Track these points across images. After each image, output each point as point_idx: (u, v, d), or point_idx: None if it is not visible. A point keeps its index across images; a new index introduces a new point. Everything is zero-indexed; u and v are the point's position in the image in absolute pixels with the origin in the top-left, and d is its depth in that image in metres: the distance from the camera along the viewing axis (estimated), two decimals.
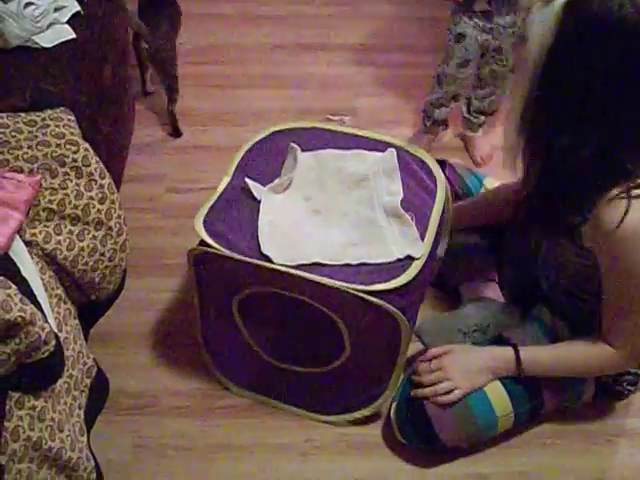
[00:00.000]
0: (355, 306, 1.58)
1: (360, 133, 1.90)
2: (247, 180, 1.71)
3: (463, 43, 2.32)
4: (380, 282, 1.58)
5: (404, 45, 3.07)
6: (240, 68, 2.95)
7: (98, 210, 1.56)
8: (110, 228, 1.58)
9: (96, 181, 1.57)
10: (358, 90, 2.87)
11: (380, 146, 1.85)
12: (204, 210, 1.67)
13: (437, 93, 2.47)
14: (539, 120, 1.46)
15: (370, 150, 1.83)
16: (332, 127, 1.93)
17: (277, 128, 1.90)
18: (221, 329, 1.82)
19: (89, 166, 1.57)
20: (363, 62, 3.00)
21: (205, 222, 1.65)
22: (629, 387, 1.83)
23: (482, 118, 2.56)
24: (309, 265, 1.59)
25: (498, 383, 1.70)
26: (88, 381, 1.53)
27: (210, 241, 1.60)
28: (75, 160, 1.56)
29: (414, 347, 1.84)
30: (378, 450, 1.81)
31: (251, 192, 1.70)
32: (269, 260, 1.58)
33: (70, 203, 1.53)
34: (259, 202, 1.69)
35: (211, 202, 1.70)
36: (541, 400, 1.75)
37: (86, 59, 1.92)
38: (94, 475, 1.47)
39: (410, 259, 1.62)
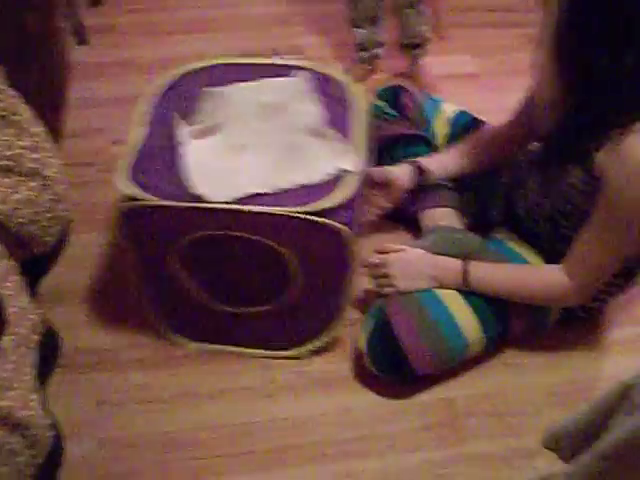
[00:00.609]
0: (301, 230, 1.56)
1: (266, 62, 1.87)
2: (175, 124, 1.65)
3: None
4: (323, 200, 1.56)
5: None
6: (178, 13, 2.89)
7: (32, 159, 1.48)
8: (46, 178, 1.51)
9: (27, 130, 1.49)
10: (303, 27, 2.80)
11: (289, 71, 1.82)
12: (124, 163, 1.60)
13: (351, 11, 2.46)
14: (574, 43, 1.44)
15: (279, 76, 1.81)
16: (236, 60, 1.89)
17: (183, 70, 1.85)
18: (163, 284, 1.76)
19: (18, 114, 1.49)
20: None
21: (128, 175, 1.58)
22: (593, 312, 1.85)
23: (406, 41, 2.50)
24: (247, 198, 1.55)
25: (467, 308, 1.70)
26: (36, 337, 1.47)
27: (138, 193, 1.54)
28: (2, 109, 1.48)
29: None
30: (346, 384, 1.79)
31: (171, 139, 1.64)
32: (204, 200, 1.54)
33: (1, 154, 1.45)
34: (181, 147, 1.63)
35: (130, 154, 1.63)
36: (508, 324, 1.74)
37: (7, 7, 1.83)
38: (51, 433, 1.42)
39: (345, 172, 1.61)
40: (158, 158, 1.63)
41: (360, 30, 2.46)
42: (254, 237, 1.58)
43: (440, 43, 2.53)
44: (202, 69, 1.85)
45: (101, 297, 1.97)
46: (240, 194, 1.56)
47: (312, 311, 1.77)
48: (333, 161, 1.63)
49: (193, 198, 1.54)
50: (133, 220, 1.60)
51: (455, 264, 1.71)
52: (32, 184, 1.48)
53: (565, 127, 1.57)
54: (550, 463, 1.58)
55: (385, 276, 1.74)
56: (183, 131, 1.64)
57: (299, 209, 1.53)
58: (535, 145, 1.89)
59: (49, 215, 1.52)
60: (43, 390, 1.48)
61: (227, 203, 1.54)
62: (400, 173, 1.93)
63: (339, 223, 1.56)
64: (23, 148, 1.47)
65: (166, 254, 1.65)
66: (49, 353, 1.54)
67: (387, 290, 1.73)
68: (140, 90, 2.25)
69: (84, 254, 2.01)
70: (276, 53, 2.67)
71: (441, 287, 1.71)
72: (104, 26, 2.79)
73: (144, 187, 1.56)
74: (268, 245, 1.60)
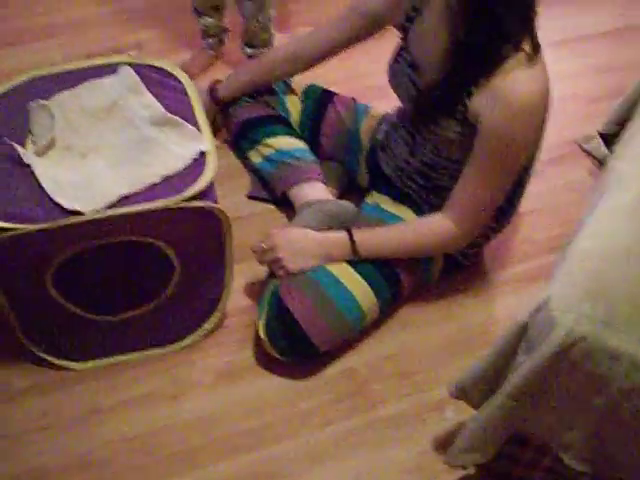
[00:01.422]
0: (175, 220, 1.56)
1: (83, 65, 1.82)
2: (16, 146, 1.58)
3: None
4: (193, 185, 1.56)
5: None
6: (8, 23, 2.73)
7: None
8: None
9: None
10: (140, 22, 2.73)
11: (111, 69, 1.79)
12: None
13: (195, 1, 2.44)
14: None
15: (102, 77, 1.77)
16: (52, 70, 1.82)
17: (2, 89, 1.76)
18: (37, 309, 1.68)
19: None
20: None
21: None
22: (473, 258, 1.92)
23: (250, 50, 2.48)
24: (118, 201, 1.52)
25: (358, 277, 1.73)
26: None
27: (3, 224, 1.46)
28: None
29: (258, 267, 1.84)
30: (250, 372, 1.78)
31: (13, 161, 1.56)
32: (78, 213, 1.49)
33: None
34: (27, 166, 1.56)
35: None
36: (399, 281, 1.78)
37: None
38: None
39: (202, 154, 1.62)
40: (6, 183, 1.55)
41: (205, 17, 2.43)
42: (132, 238, 1.56)
43: (282, 18, 2.51)
44: (21, 84, 1.77)
45: None
46: (112, 199, 1.52)
47: (197, 296, 1.76)
48: (188, 145, 1.62)
49: (66, 215, 1.49)
50: (2, 252, 1.52)
51: (340, 237, 1.74)
52: None
53: (440, 80, 1.60)
54: (459, 412, 1.64)
55: (275, 260, 1.74)
56: (25, 152, 1.58)
57: (177, 198, 1.53)
58: (393, 108, 1.94)
59: None
60: None
61: (102, 211, 1.50)
62: None
63: (213, 203, 1.58)
64: None
65: (38, 278, 1.59)
66: None
67: (280, 273, 1.74)
68: None
69: None
70: (118, 52, 2.60)
71: (331, 262, 1.73)
72: None
73: (6, 216, 1.48)
74: (146, 243, 1.58)
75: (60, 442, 1.67)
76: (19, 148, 1.58)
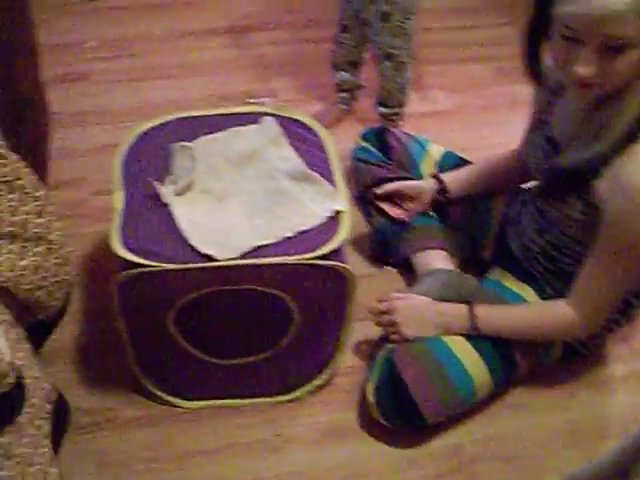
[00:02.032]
0: (304, 276, 1.57)
1: (229, 111, 1.88)
2: (156, 185, 1.64)
3: (341, 6, 2.38)
4: (325, 244, 1.58)
5: (319, 19, 3.01)
6: (151, 59, 2.86)
7: (36, 225, 1.46)
8: (51, 242, 1.48)
9: (31, 194, 1.47)
10: (276, 70, 2.81)
11: (252, 118, 1.83)
12: (115, 231, 1.57)
13: (334, 54, 2.49)
14: None
15: (245, 125, 1.81)
16: (198, 113, 1.88)
17: (142, 129, 1.84)
18: (157, 348, 1.72)
19: (20, 179, 1.47)
20: (280, 40, 2.95)
21: (124, 242, 1.55)
22: (593, 348, 1.87)
23: (383, 109, 2.49)
24: (252, 251, 1.55)
25: (474, 352, 1.70)
26: (49, 407, 1.44)
27: (140, 260, 1.51)
28: (5, 174, 1.45)
29: (372, 327, 1.83)
30: (353, 435, 1.77)
31: (153, 199, 1.63)
32: (211, 259, 1.53)
33: (5, 221, 1.42)
34: (165, 206, 1.62)
35: (117, 221, 1.60)
36: (514, 362, 1.75)
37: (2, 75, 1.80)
38: None
39: (337, 213, 1.64)
40: (145, 221, 1.61)
41: (341, 72, 2.48)
42: (258, 288, 1.58)
43: (417, 79, 2.54)
44: (166, 124, 1.85)
45: (91, 356, 1.91)
46: (246, 248, 1.55)
47: (311, 352, 1.77)
48: (324, 203, 1.64)
49: (200, 259, 1.53)
50: (132, 288, 1.56)
51: (461, 310, 1.72)
52: (37, 249, 1.46)
53: (578, 160, 1.56)
54: None
55: (392, 323, 1.74)
56: (165, 191, 1.63)
57: (307, 256, 1.55)
58: (527, 183, 1.93)
59: (55, 280, 1.50)
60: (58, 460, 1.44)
61: (236, 259, 1.53)
62: (427, 187, 2.00)
63: (342, 263, 1.59)
64: (27, 213, 1.45)
65: (162, 316, 1.62)
66: (60, 420, 1.50)
67: (394, 337, 1.74)
68: (116, 139, 2.25)
69: (74, 311, 1.95)
70: (251, 97, 2.67)
71: (448, 334, 1.72)
72: (76, 75, 2.75)
73: (143, 252, 1.53)
74: (270, 294, 1.60)
75: (160, 476, 1.69)
76: (159, 186, 1.63)
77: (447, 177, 2.01)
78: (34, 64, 1.96)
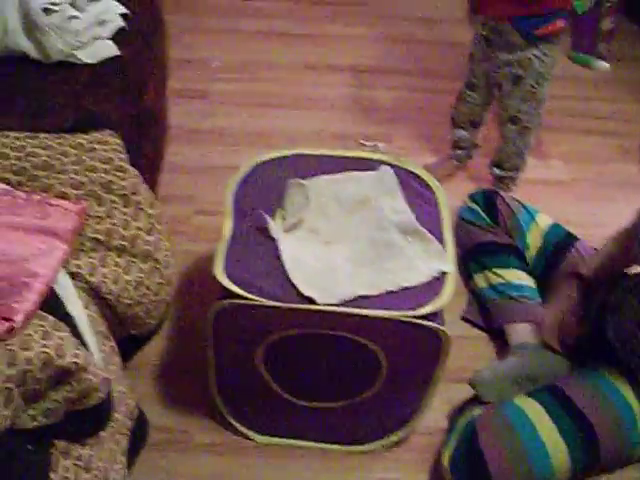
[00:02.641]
0: (400, 332, 1.55)
1: (347, 154, 1.87)
2: (267, 219, 1.64)
3: (471, 64, 2.33)
4: (427, 304, 1.54)
5: (440, 71, 3.00)
6: (271, 87, 2.89)
7: (146, 242, 1.48)
8: (157, 261, 1.50)
9: (144, 211, 1.49)
10: (391, 116, 2.80)
11: (370, 165, 1.81)
12: (220, 259, 1.57)
13: (455, 110, 2.46)
14: None
15: (361, 170, 1.79)
16: (316, 152, 1.87)
17: (260, 160, 1.84)
18: (240, 379, 1.72)
19: (137, 194, 1.49)
20: (399, 86, 2.94)
21: (227, 270, 1.55)
22: None
23: (497, 171, 2.44)
24: (353, 300, 1.53)
25: (559, 437, 1.63)
26: (130, 423, 1.44)
27: (241, 291, 1.51)
28: (123, 187, 1.48)
29: (466, 389, 1.80)
30: None
31: (261, 231, 1.63)
32: (312, 302, 1.51)
33: (117, 233, 1.45)
34: (271, 240, 1.61)
35: (223, 249, 1.60)
36: (598, 457, 1.67)
37: (130, 77, 1.84)
38: None
39: (443, 274, 1.60)
40: (250, 252, 1.61)
41: (460, 130, 2.45)
42: (352, 336, 1.56)
43: (536, 147, 2.49)
44: (283, 158, 1.85)
45: (173, 375, 1.91)
46: (348, 296, 1.54)
47: (392, 408, 1.74)
48: (431, 262, 1.62)
49: (299, 299, 1.52)
50: (226, 317, 1.56)
51: None
52: (143, 266, 1.48)
53: None
54: None
55: None
56: (274, 226, 1.63)
57: (409, 313, 1.52)
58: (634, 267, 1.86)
59: (155, 298, 1.51)
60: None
61: (336, 305, 1.52)
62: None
63: (439, 325, 1.56)
64: (139, 229, 1.47)
65: (252, 349, 1.62)
66: (138, 438, 1.50)
67: None
68: (227, 161, 2.27)
69: (167, 327, 1.96)
70: (364, 139, 2.67)
71: None
72: (198, 92, 2.81)
73: (244, 283, 1.53)
74: (362, 343, 1.57)
75: None
76: (270, 221, 1.63)
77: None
78: (163, 80, 2.01)
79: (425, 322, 1.53)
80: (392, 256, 1.62)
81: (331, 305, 1.51)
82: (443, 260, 1.63)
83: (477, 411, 1.74)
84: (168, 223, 2.19)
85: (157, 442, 1.76)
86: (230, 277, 1.53)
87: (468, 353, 1.95)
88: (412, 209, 1.73)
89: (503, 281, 2.01)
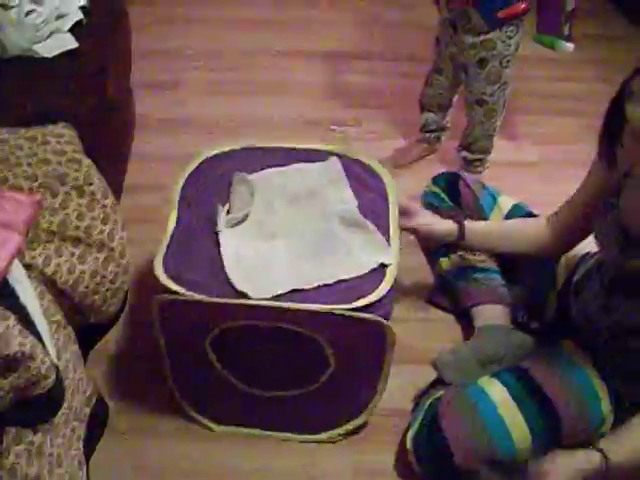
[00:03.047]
0: (339, 324, 1.54)
1: (295, 146, 1.87)
2: (219, 211, 1.65)
3: (437, 47, 2.35)
4: (362, 296, 1.54)
5: (413, 55, 3.01)
6: (243, 74, 2.91)
7: (100, 231, 1.50)
8: (112, 249, 1.52)
9: (98, 201, 1.51)
10: (363, 100, 2.82)
11: (319, 156, 1.82)
12: (160, 253, 1.58)
13: (423, 93, 2.48)
14: None
15: (310, 162, 1.80)
16: (263, 145, 1.88)
17: (209, 154, 1.85)
18: (194, 370, 1.73)
19: (91, 185, 1.52)
20: (372, 71, 2.95)
21: (165, 265, 1.55)
22: None
23: (466, 154, 2.46)
24: (287, 294, 1.54)
25: (519, 415, 1.65)
26: (88, 410, 1.47)
27: (176, 287, 1.51)
28: (77, 179, 1.50)
29: (431, 372, 1.82)
30: (390, 479, 1.75)
31: (205, 225, 1.64)
32: (245, 296, 1.52)
33: (71, 224, 1.47)
34: (215, 235, 1.62)
35: (165, 242, 1.61)
36: (559, 436, 1.69)
37: (88, 70, 1.86)
38: None
39: (383, 266, 1.60)
40: (193, 246, 1.62)
41: (428, 113, 2.47)
42: (293, 328, 1.57)
43: (500, 127, 2.51)
44: (231, 152, 1.86)
45: (138, 363, 1.94)
46: (281, 290, 1.54)
47: (345, 397, 1.75)
48: (372, 255, 1.61)
49: (234, 294, 1.53)
50: (171, 310, 1.57)
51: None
52: (98, 255, 1.50)
53: None
54: None
55: None
56: (220, 220, 1.64)
57: (342, 306, 1.52)
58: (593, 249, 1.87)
59: (112, 287, 1.53)
60: (87, 461, 1.47)
61: (270, 299, 1.52)
62: (443, 233, 1.91)
63: (380, 317, 1.55)
64: (93, 219, 1.49)
65: (198, 342, 1.63)
66: (97, 425, 1.53)
67: None
68: (199, 149, 2.28)
69: (129, 314, 1.99)
70: (335, 124, 2.69)
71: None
72: (169, 81, 2.82)
73: (181, 279, 1.53)
74: (305, 335, 1.58)
75: None
76: (221, 215, 1.64)
77: (470, 226, 1.92)
78: (125, 71, 2.02)
79: (362, 314, 1.52)
80: (333, 248, 1.62)
81: (263, 299, 1.51)
82: (385, 252, 1.62)
83: (441, 393, 1.76)
84: (137, 212, 2.27)
85: (125, 430, 1.79)
86: (167, 271, 1.53)
87: (435, 335, 1.98)
88: (360, 200, 1.72)
89: (467, 264, 2.03)
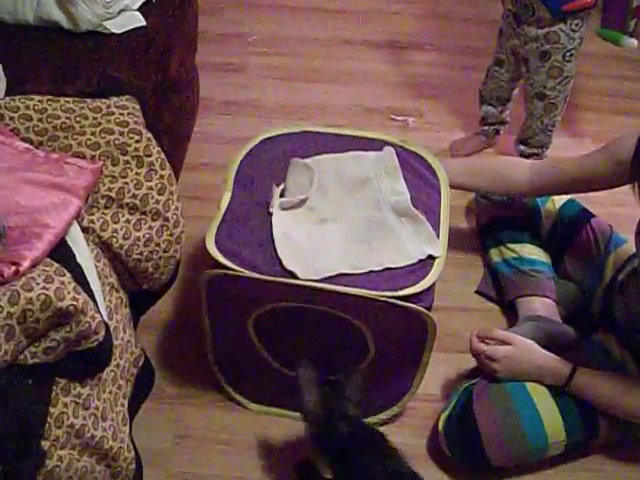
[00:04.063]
0: (383, 312, 1.57)
1: (353, 133, 1.88)
2: (275, 192, 1.68)
3: (500, 40, 2.34)
4: (408, 286, 1.56)
5: (476, 48, 3.00)
6: (307, 61, 2.94)
7: (156, 201, 1.56)
8: (167, 219, 1.58)
9: (156, 171, 1.57)
10: (424, 91, 2.83)
11: (376, 145, 1.83)
12: (213, 229, 1.62)
13: (483, 86, 2.48)
14: None
15: (366, 150, 1.81)
16: (323, 130, 1.90)
17: (266, 135, 1.87)
18: (234, 347, 1.77)
19: (150, 156, 1.57)
20: (433, 63, 2.96)
21: (217, 241, 1.59)
22: None
23: (523, 148, 2.46)
24: (334, 277, 1.56)
25: (554, 407, 1.67)
26: (134, 370, 1.53)
27: (227, 262, 1.55)
28: (137, 149, 1.56)
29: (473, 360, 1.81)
30: (419, 462, 1.75)
31: (257, 206, 1.68)
32: (294, 276, 1.55)
33: (129, 192, 1.53)
34: (268, 215, 1.65)
35: (218, 219, 1.65)
36: (596, 433, 1.70)
37: (154, 48, 1.92)
38: (133, 466, 1.47)
39: (431, 258, 1.62)
40: (246, 225, 1.65)
41: (488, 106, 2.47)
42: (337, 313, 1.59)
43: (562, 123, 2.49)
44: (291, 134, 1.88)
45: (186, 333, 2.00)
46: (329, 273, 1.57)
47: (381, 386, 1.76)
48: (420, 246, 1.63)
49: (282, 273, 1.56)
50: (218, 286, 1.61)
51: (562, 369, 1.68)
52: (153, 223, 1.55)
53: None
54: None
55: (489, 369, 1.72)
56: (275, 202, 1.67)
57: (388, 294, 1.54)
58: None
59: (164, 255, 1.59)
60: (131, 421, 1.53)
61: (316, 281, 1.55)
62: None
63: (423, 307, 1.56)
64: (150, 189, 1.55)
65: (242, 320, 1.67)
66: (142, 386, 1.59)
67: (487, 371, 1.74)
68: (258, 132, 2.32)
69: (181, 287, 2.06)
70: (395, 114, 2.71)
71: (537, 382, 1.70)
72: (235, 65, 2.88)
73: (233, 255, 1.57)
74: (347, 320, 1.61)
75: (223, 459, 1.78)
76: (275, 196, 1.67)
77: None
78: (190, 51, 2.08)
79: (404, 303, 1.54)
80: (383, 237, 1.64)
81: (310, 280, 1.54)
82: (434, 244, 1.63)
83: (477, 379, 1.78)
84: (196, 190, 2.33)
85: (169, 395, 1.87)
86: (219, 247, 1.58)
87: (479, 325, 1.98)
88: (412, 192, 1.73)
89: (516, 255, 2.04)
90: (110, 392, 1.41)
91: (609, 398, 1.66)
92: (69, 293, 1.23)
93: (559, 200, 2.08)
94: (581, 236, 2.02)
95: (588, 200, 2.11)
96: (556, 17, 2.11)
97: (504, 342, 1.72)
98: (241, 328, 1.68)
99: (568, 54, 2.19)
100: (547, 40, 2.17)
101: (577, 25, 2.13)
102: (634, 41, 2.97)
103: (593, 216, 2.06)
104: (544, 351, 1.72)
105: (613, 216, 2.12)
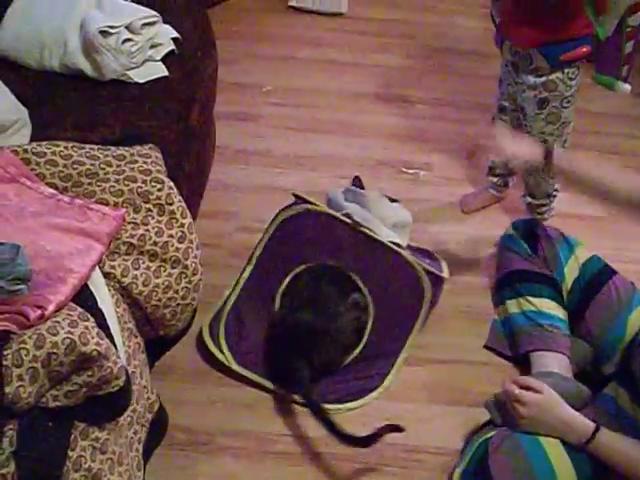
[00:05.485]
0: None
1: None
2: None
3: (500, 88, 2.38)
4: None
5: (485, 103, 3.05)
6: (319, 113, 2.98)
7: (176, 249, 1.58)
8: (186, 267, 1.60)
9: (177, 220, 1.60)
10: (435, 145, 2.87)
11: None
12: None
13: None
14: None
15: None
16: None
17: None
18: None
19: (172, 204, 1.60)
20: (442, 117, 3.01)
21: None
22: None
23: (530, 199, 2.47)
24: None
25: (570, 465, 1.67)
26: (149, 416, 1.54)
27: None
28: (159, 197, 1.59)
29: (484, 414, 1.83)
30: None
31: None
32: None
33: (150, 239, 1.56)
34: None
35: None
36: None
37: (176, 97, 1.97)
38: None
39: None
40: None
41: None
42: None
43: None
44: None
45: (209, 379, 2.02)
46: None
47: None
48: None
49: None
50: None
51: (587, 427, 1.68)
52: (172, 271, 1.58)
53: None
54: None
55: (517, 414, 1.72)
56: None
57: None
58: None
59: (182, 302, 1.61)
60: (144, 466, 1.54)
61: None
62: None
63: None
64: (171, 237, 1.58)
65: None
66: (156, 431, 1.60)
67: (513, 420, 1.74)
68: (272, 182, 2.35)
69: (196, 334, 2.07)
70: (407, 167, 2.75)
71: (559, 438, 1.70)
72: (249, 115, 2.93)
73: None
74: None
75: None
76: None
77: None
78: (209, 101, 2.12)
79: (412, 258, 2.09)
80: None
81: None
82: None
83: (492, 433, 1.78)
84: (209, 237, 2.36)
85: (181, 442, 1.87)
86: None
87: (489, 379, 2.00)
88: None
89: (534, 309, 2.05)
90: (126, 437, 1.42)
91: (628, 462, 1.65)
92: (93, 338, 1.25)
93: (583, 257, 2.09)
94: (604, 292, 2.02)
95: (610, 258, 2.13)
96: (554, 67, 2.16)
97: (536, 390, 1.73)
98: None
99: (565, 101, 2.22)
100: (545, 88, 2.19)
101: (574, 73, 2.16)
102: (628, 86, 3.05)
103: (615, 273, 2.06)
104: (570, 408, 1.72)
105: (636, 274, 2.15)
